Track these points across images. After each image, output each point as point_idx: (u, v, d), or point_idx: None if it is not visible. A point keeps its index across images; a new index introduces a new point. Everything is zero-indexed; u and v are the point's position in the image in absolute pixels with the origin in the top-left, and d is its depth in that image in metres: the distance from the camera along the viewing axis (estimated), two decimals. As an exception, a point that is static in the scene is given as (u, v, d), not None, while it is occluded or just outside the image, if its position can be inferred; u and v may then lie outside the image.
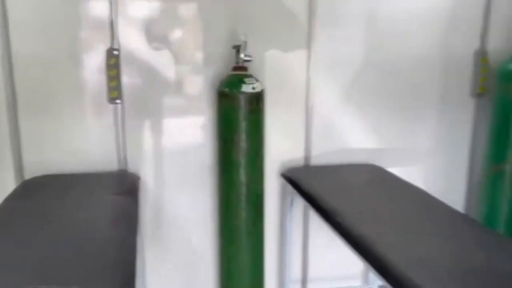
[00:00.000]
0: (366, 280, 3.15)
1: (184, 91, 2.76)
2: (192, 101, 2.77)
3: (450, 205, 2.33)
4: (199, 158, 2.81)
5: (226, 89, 2.54)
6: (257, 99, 2.55)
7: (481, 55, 2.97)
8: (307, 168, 2.91)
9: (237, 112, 2.52)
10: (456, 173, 3.14)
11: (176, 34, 2.70)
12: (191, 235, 2.90)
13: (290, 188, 2.73)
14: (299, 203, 2.88)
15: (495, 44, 2.97)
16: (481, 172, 3.02)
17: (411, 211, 2.29)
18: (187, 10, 2.70)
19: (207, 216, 2.86)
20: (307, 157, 2.92)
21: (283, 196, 2.91)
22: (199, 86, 2.75)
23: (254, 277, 2.69)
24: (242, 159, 2.55)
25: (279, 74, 2.80)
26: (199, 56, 2.74)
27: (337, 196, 2.44)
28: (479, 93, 3.00)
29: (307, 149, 2.92)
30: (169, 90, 2.74)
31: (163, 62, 2.69)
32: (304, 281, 3.09)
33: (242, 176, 2.56)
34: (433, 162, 3.11)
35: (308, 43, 2.80)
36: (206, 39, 2.73)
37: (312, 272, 3.08)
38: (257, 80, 2.56)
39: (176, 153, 2.79)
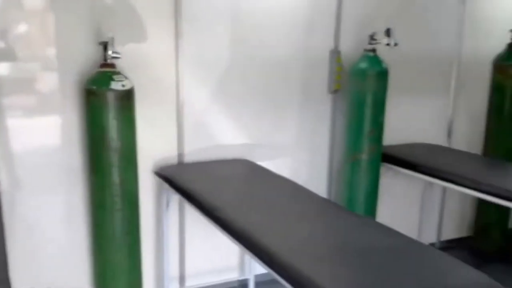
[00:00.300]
0: (242, 271, 3.25)
1: (36, 89, 2.58)
2: (48, 99, 2.60)
3: (315, 192, 2.52)
4: (65, 160, 2.65)
5: (94, 87, 2.44)
6: (127, 97, 2.49)
7: (336, 55, 3.23)
8: (181, 165, 2.92)
9: (107, 110, 2.43)
10: (319, 163, 3.39)
11: (22, 28, 2.50)
12: (61, 239, 2.74)
13: (165, 186, 2.71)
14: (176, 200, 2.88)
15: (347, 45, 3.26)
16: (341, 161, 3.29)
17: (283, 201, 2.43)
18: (35, 2, 2.52)
19: (78, 218, 2.72)
20: (180, 155, 2.93)
21: (158, 194, 2.88)
22: (55, 84, 2.59)
23: (131, 278, 2.62)
24: (114, 158, 2.47)
25: (148, 71, 2.77)
26: (52, 52, 2.57)
27: (214, 191, 2.49)
28: (335, 89, 3.27)
29: (180, 146, 2.92)
30: (15, 89, 2.53)
31: (7, 58, 2.49)
32: (182, 277, 3.09)
33: (115, 176, 2.48)
34: (298, 154, 3.32)
35: (176, 40, 2.81)
36: (62, 33, 2.56)
37: (190, 268, 3.10)
38: (126, 78, 2.50)
39: (33, 155, 2.60)
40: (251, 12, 2.99)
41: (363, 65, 3.02)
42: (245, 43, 3.01)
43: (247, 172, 2.86)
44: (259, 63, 3.06)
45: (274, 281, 1.89)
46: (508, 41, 3.52)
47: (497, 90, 3.60)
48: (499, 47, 3.55)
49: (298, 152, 3.31)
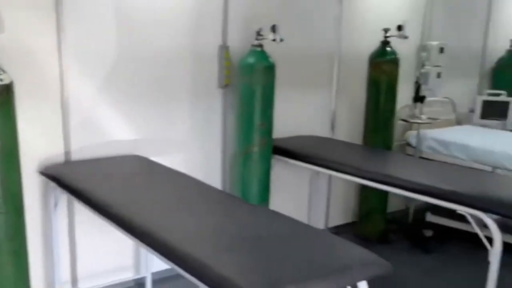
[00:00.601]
0: (138, 270, 3.18)
1: None
2: None
3: (211, 185, 2.55)
4: None
5: (-33, 82, 2.24)
6: (5, 92, 2.32)
7: (224, 50, 3.29)
8: (68, 163, 2.79)
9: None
10: (212, 157, 3.43)
11: None
12: None
13: (52, 185, 2.58)
14: (64, 200, 2.75)
15: (235, 40, 3.33)
16: (234, 154, 3.35)
17: (178, 194, 2.43)
18: None
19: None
20: (67, 152, 2.80)
21: (45, 195, 2.73)
22: None
23: (18, 287, 2.45)
24: (-7, 158, 2.30)
25: (30, 65, 2.62)
26: None
27: (105, 188, 2.41)
28: (225, 84, 3.33)
29: (67, 143, 2.79)
30: None
31: None
32: (74, 281, 2.95)
33: (-5, 177, 2.31)
34: (191, 148, 3.32)
35: (58, 33, 2.68)
36: None
37: (82, 271, 2.97)
38: (3, 71, 2.33)
39: None
40: (138, 6, 2.95)
41: (251, 60, 3.11)
42: (133, 38, 2.95)
43: (140, 168, 2.81)
44: (147, 58, 3.02)
45: (171, 278, 1.88)
46: (382, 39, 3.82)
47: (373, 85, 3.89)
48: (374, 44, 3.85)
49: (192, 146, 3.32)
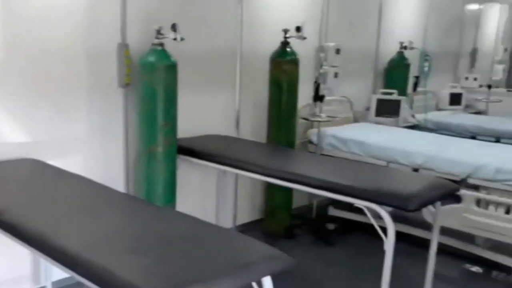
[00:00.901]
0: (37, 279, 3.00)
1: None
2: None
3: (112, 187, 2.47)
4: None
5: None
6: None
7: (124, 48, 3.20)
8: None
9: None
10: (114, 158, 3.32)
11: None
12: None
13: None
14: None
15: (135, 38, 3.25)
16: (137, 154, 3.27)
17: (78, 199, 2.34)
18: None
19: None
20: (-50, 159, 2.58)
21: None
22: None
23: None
24: None
25: None
26: None
27: (-3, 194, 2.25)
28: (126, 83, 3.23)
29: (-50, 149, 2.57)
30: None
31: None
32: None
33: None
34: (91, 150, 3.20)
35: None
36: None
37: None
38: None
39: None
40: (28, 2, 2.77)
41: (151, 58, 3.05)
42: (22, 34, 2.78)
43: (34, 172, 2.65)
44: (38, 55, 2.86)
45: (73, 286, 1.80)
46: (282, 39, 3.92)
47: (274, 84, 3.98)
48: (275, 44, 3.94)
49: (91, 148, 3.19)
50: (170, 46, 3.09)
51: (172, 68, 3.08)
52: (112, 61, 3.19)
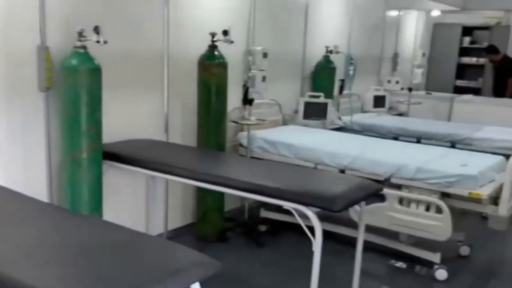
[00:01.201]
0: None
1: None
2: None
3: (34, 197, 2.36)
4: None
5: None
6: None
7: (44, 51, 3.06)
8: None
9: None
10: (36, 165, 3.16)
11: None
12: None
13: None
14: None
15: (56, 40, 3.12)
16: (60, 161, 3.13)
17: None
18: None
19: None
20: None
21: None
22: None
23: None
24: None
25: None
26: None
27: None
28: (47, 87, 3.09)
29: None
30: None
31: None
32: None
33: None
34: (10, 157, 3.02)
35: None
36: None
37: None
38: None
39: None
40: None
41: (74, 61, 2.93)
42: None
43: None
44: None
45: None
46: (209, 43, 3.91)
47: (203, 87, 3.96)
48: (204, 47, 3.92)
49: (10, 155, 3.02)
50: (94, 49, 2.99)
51: (95, 72, 2.98)
52: (32, 64, 3.04)
